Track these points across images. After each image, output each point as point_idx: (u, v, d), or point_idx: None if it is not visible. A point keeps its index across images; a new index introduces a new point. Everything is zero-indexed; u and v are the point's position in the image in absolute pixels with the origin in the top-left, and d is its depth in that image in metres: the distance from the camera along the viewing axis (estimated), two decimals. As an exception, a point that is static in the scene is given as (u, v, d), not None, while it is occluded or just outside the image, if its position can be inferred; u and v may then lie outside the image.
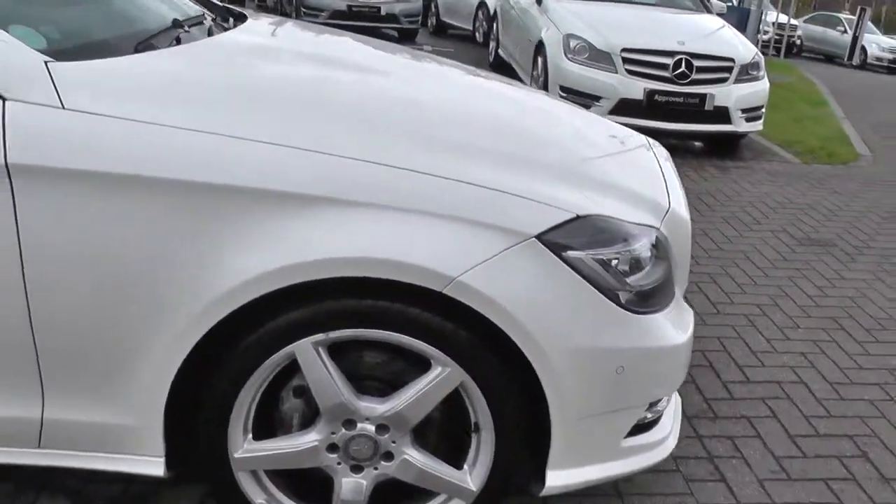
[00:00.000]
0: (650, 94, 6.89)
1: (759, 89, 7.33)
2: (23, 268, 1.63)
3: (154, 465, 1.83)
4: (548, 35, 7.43)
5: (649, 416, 2.08)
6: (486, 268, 1.71)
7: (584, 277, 1.79)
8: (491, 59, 10.55)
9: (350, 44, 2.88)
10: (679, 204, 2.20)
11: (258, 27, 2.68)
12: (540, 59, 7.53)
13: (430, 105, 2.28)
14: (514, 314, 1.73)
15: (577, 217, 1.81)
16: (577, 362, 1.81)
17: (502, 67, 9.22)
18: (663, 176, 2.32)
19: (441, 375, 1.82)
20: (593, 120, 2.72)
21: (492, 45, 10.72)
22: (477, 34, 13.35)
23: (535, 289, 1.75)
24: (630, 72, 6.93)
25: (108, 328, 1.70)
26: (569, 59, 7.05)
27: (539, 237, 1.76)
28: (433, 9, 14.97)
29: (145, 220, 1.64)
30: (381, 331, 1.77)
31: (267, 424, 1.90)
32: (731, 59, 7.18)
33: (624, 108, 6.78)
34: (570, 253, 1.78)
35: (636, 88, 6.90)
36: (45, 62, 1.67)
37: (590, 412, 1.88)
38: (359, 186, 1.70)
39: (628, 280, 1.87)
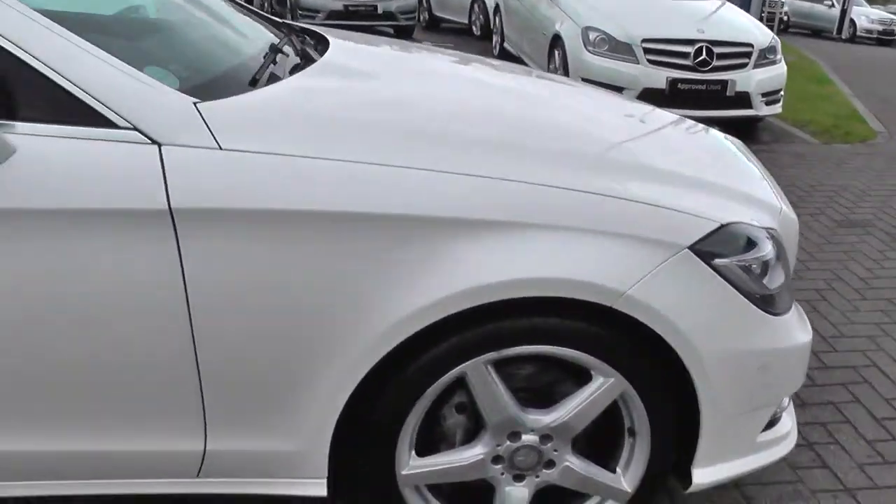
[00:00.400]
0: (673, 82, 6.98)
1: (777, 73, 7.43)
2: (189, 309, 1.69)
3: (317, 487, 1.90)
4: (564, 28, 7.49)
5: (777, 411, 2.17)
6: (649, 280, 1.80)
7: (731, 283, 1.87)
8: (496, 52, 10.60)
9: (440, 58, 2.93)
10: (786, 203, 2.28)
11: (348, 46, 2.71)
12: (557, 53, 7.59)
13: (561, 121, 2.35)
14: (676, 323, 1.81)
15: (722, 226, 1.89)
16: (727, 365, 1.90)
17: (510, 61, 9.26)
18: (762, 176, 2.40)
19: (605, 385, 1.91)
20: (670, 119, 2.77)
21: (495, 38, 10.77)
22: (474, 27, 13.38)
23: (690, 297, 1.84)
24: (651, 61, 7.01)
25: (279, 362, 1.75)
26: (589, 51, 7.12)
27: (691, 248, 1.84)
28: (424, 3, 14.95)
29: (319, 253, 1.69)
30: (548, 346, 1.85)
31: (424, 439, 1.97)
32: (750, 45, 7.27)
33: (647, 98, 6.84)
34: (718, 261, 1.87)
35: (658, 78, 6.98)
36: (195, 104, 1.72)
37: (736, 411, 1.97)
38: (531, 208, 1.77)
39: (764, 283, 1.95)
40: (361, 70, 2.40)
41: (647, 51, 7.02)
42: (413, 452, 1.93)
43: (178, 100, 1.71)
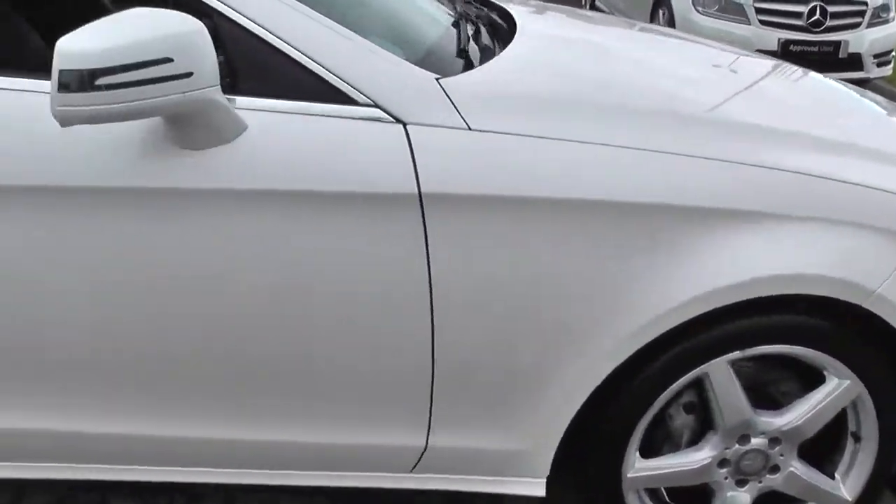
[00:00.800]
0: (785, 44, 6.68)
1: (889, 32, 7.06)
2: (431, 300, 1.58)
3: (536, 486, 1.80)
4: (672, -13, 7.20)
5: None
6: (895, 277, 1.66)
7: None
8: (587, 8, 10.31)
9: (614, 23, 2.76)
10: None
11: (528, 14, 2.55)
12: (662, 12, 7.31)
13: (783, 97, 2.19)
14: None
15: None
16: None
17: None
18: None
19: (841, 388, 1.77)
20: (793, 72, 2.55)
21: (585, -3, 10.45)
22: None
23: None
24: (763, 22, 6.71)
25: (519, 357, 1.65)
26: (699, 11, 6.84)
27: None
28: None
29: (572, 246, 1.57)
30: (790, 346, 1.72)
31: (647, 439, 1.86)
32: (864, 3, 6.90)
33: (758, 61, 6.57)
34: None
35: (770, 39, 6.68)
36: (437, 79, 1.61)
37: None
38: (791, 198, 1.63)
39: None
40: (566, 43, 2.26)
41: (758, 10, 6.71)
42: (638, 454, 1.83)
43: (421, 75, 1.60)
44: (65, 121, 1.36)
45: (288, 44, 1.53)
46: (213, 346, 1.61)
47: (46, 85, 1.46)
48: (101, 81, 1.33)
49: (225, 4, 1.53)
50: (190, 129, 1.48)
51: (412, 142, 1.52)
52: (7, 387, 1.65)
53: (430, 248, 1.54)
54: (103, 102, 1.35)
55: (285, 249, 1.54)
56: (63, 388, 1.65)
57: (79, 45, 1.34)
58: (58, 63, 1.34)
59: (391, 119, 1.54)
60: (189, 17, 1.41)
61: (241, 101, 1.52)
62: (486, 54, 1.91)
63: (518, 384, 1.68)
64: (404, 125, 1.53)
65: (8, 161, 1.51)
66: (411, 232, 1.54)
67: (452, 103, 1.56)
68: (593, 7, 9.82)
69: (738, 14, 6.74)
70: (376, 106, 1.54)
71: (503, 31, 2.16)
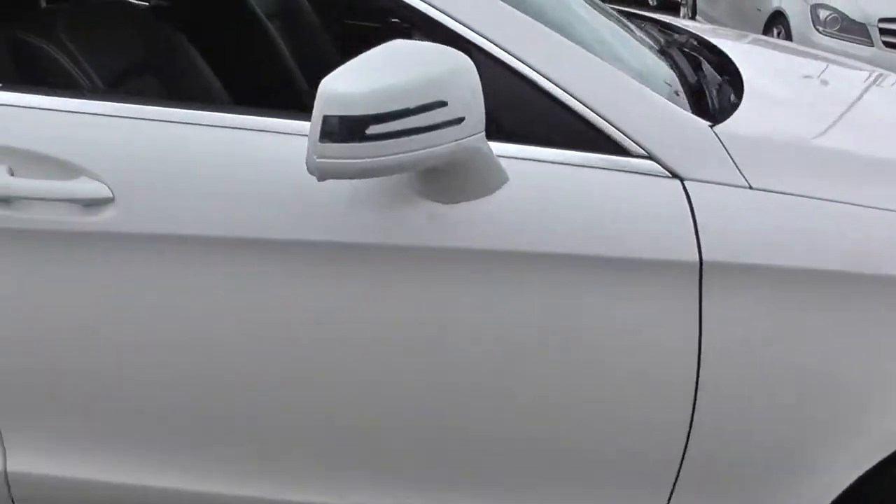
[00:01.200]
0: (910, 68, 6.36)
1: None
2: (697, 375, 1.39)
3: None
4: (788, 4, 6.92)
5: None
6: None
7: None
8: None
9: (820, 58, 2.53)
10: None
11: (744, 49, 2.31)
12: (777, 31, 7.03)
13: None
14: None
15: None
16: None
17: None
18: None
19: None
20: None
21: (683, 10, 10.18)
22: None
23: None
24: (887, 44, 6.40)
25: (782, 448, 1.44)
26: (819, 31, 6.56)
27: None
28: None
29: (854, 320, 1.35)
30: None
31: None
32: None
33: (880, 84, 6.27)
34: None
35: (894, 61, 6.36)
36: (710, 126, 1.40)
37: None
38: None
39: None
40: (801, 81, 2.03)
41: (883, 31, 6.40)
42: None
43: (695, 123, 1.40)
44: (324, 174, 1.20)
45: (553, 81, 1.35)
46: (451, 418, 1.45)
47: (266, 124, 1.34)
48: (372, 130, 1.16)
49: (482, 37, 1.36)
50: (446, 179, 1.30)
51: (692, 201, 1.33)
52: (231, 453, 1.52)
53: (703, 323, 1.35)
54: (370, 155, 1.17)
55: (541, 316, 1.36)
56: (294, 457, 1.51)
57: (345, 88, 1.17)
58: (322, 108, 1.17)
59: (667, 173, 1.35)
60: (456, 51, 1.23)
61: (498, 147, 1.34)
62: (726, 98, 1.71)
63: (771, 467, 1.49)
64: (682, 181, 1.35)
65: (237, 211, 1.36)
66: (685, 305, 1.34)
67: (730, 156, 1.37)
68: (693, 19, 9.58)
69: (861, 35, 6.45)
70: (650, 157, 1.35)
71: (722, 67, 1.96)
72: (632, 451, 1.46)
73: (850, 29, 6.48)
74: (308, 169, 1.20)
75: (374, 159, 1.18)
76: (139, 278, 1.40)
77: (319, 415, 1.47)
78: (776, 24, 7.07)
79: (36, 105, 1.42)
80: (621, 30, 1.92)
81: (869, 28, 6.43)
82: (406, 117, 1.17)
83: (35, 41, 1.73)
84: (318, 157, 1.18)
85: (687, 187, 1.33)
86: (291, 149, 1.33)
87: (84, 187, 1.37)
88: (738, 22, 7.91)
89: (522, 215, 1.33)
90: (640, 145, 1.35)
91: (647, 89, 1.41)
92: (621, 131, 1.35)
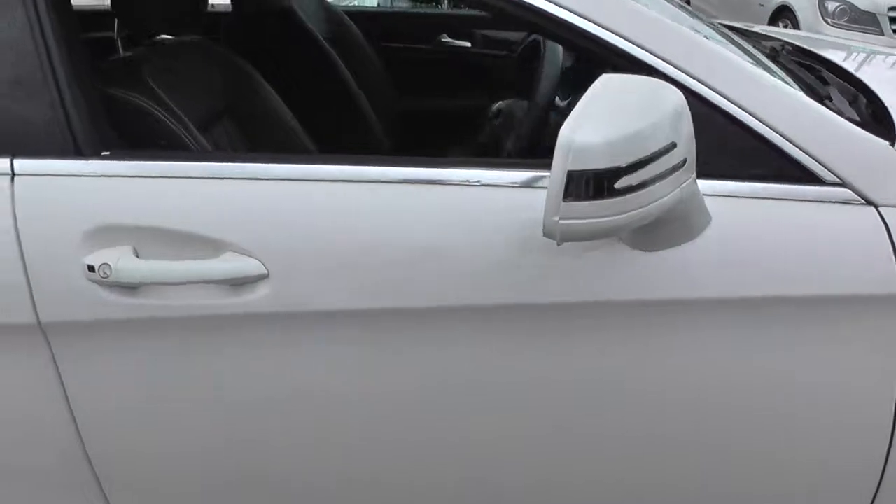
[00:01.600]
0: (922, 55, 6.31)
1: None
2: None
3: None
4: (794, -4, 6.88)
5: None
6: None
7: None
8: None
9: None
10: None
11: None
12: (783, 23, 6.98)
13: None
14: None
15: None
16: None
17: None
18: None
19: None
20: None
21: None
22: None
23: None
24: (897, 33, 6.37)
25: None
26: (827, 22, 6.50)
27: None
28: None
29: None
30: None
31: None
32: None
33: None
34: None
35: (905, 50, 6.32)
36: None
37: None
38: None
39: None
40: None
41: (893, 20, 6.36)
42: None
43: (879, 144, 1.28)
44: (566, 236, 1.06)
45: (742, 107, 1.23)
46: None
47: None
48: (621, 184, 1.04)
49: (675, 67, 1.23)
50: (657, 226, 1.15)
51: (891, 229, 1.22)
52: None
53: None
54: (615, 212, 1.05)
55: (759, 364, 1.26)
56: None
57: (587, 138, 1.02)
58: (565, 162, 1.02)
59: (861, 201, 1.24)
60: (665, 83, 1.11)
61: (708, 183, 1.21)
62: (883, 114, 1.59)
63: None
64: (876, 207, 1.23)
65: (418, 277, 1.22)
66: (888, 340, 1.24)
67: None
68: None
69: (871, 24, 6.40)
70: (843, 185, 1.24)
71: (850, 82, 1.84)
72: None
73: (859, 19, 6.43)
74: (545, 232, 1.06)
75: (621, 216, 1.05)
76: (296, 357, 1.27)
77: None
78: (782, 17, 7.02)
79: (154, 173, 1.23)
80: (756, 51, 1.80)
81: (879, 17, 6.39)
82: (647, 165, 1.05)
83: (122, 94, 1.54)
84: (562, 219, 1.04)
85: (883, 214, 1.22)
86: (469, 199, 1.21)
87: (234, 266, 1.21)
88: (734, 16, 7.84)
89: (731, 257, 1.21)
90: (833, 172, 1.23)
91: (828, 111, 1.30)
92: (814, 157, 1.24)
